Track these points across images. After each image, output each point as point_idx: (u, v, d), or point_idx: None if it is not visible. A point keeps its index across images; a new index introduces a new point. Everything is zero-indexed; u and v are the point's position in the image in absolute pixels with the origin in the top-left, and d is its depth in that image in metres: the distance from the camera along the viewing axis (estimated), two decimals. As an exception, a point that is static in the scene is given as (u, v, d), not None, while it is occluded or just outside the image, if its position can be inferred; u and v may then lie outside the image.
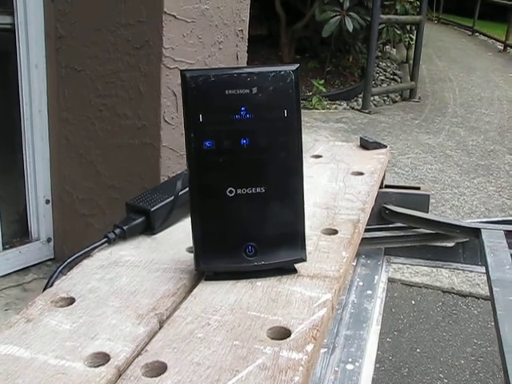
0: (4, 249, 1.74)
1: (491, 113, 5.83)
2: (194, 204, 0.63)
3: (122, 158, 1.60)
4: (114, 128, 1.59)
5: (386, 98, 6.13)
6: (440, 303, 2.35)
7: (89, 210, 1.72)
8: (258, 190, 0.62)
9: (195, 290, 0.62)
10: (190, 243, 0.64)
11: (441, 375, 1.91)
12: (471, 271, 1.32)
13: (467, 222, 1.20)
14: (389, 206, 1.23)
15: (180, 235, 0.76)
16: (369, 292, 1.12)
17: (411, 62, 6.48)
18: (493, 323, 0.83)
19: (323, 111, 5.42)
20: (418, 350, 2.03)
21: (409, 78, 6.44)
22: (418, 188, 1.28)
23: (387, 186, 1.27)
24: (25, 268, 1.78)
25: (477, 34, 10.99)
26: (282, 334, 0.54)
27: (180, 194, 0.75)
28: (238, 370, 0.48)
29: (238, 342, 0.52)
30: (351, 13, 5.40)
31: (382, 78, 6.62)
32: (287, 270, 0.65)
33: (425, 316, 2.25)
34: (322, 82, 5.74)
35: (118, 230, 0.73)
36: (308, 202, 0.84)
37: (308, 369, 0.50)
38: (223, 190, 0.62)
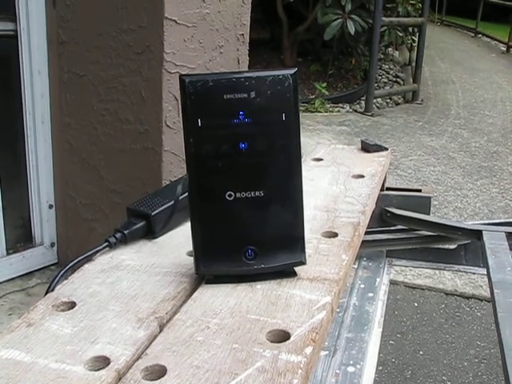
0: (8, 254, 1.75)
1: (494, 114, 5.83)
2: (194, 208, 0.63)
3: (124, 163, 1.60)
4: (116, 133, 1.60)
5: (388, 101, 6.13)
6: (443, 305, 2.35)
7: (92, 215, 1.73)
8: (257, 193, 0.63)
9: (195, 294, 0.62)
10: (191, 247, 0.65)
11: (444, 377, 1.91)
12: (473, 273, 1.32)
13: (469, 224, 1.20)
14: (390, 209, 1.23)
15: (180, 239, 0.76)
16: (370, 294, 1.12)
17: (414, 64, 6.48)
18: (495, 325, 0.83)
19: (326, 114, 5.42)
20: (421, 352, 2.03)
21: (411, 80, 6.44)
22: (420, 190, 1.28)
23: (388, 189, 1.27)
24: (28, 273, 1.78)
25: (480, 35, 10.98)
26: (282, 336, 0.54)
27: (180, 198, 0.75)
28: (236, 373, 0.49)
29: (238, 345, 0.52)
30: (353, 15, 5.41)
31: (385, 80, 6.62)
32: (287, 273, 0.65)
33: (428, 318, 2.25)
34: (324, 84, 5.75)
35: (118, 235, 0.74)
36: (308, 204, 0.85)
37: (307, 371, 0.51)
38: (222, 194, 0.62)
